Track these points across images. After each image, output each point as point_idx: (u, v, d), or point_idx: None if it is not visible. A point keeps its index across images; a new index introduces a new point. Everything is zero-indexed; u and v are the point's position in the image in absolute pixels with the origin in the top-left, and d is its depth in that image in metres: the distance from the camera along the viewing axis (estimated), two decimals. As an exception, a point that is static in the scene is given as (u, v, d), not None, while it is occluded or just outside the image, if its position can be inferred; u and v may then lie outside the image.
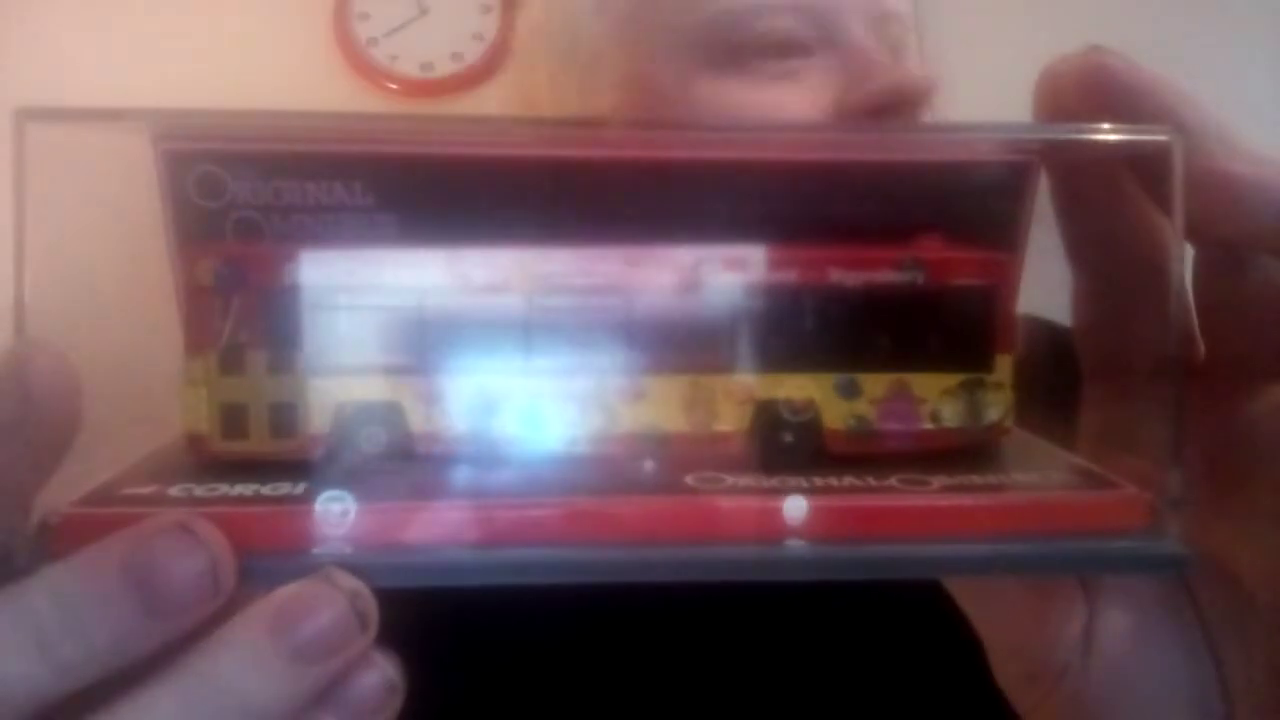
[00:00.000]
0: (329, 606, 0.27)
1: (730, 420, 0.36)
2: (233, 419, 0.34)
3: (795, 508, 0.31)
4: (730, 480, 0.34)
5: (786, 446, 0.36)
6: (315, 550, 0.29)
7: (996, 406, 0.37)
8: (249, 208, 0.34)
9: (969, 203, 0.37)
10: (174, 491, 0.31)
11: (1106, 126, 0.32)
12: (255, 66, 1.49)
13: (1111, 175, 0.34)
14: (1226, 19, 1.51)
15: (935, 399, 0.37)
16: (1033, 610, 0.35)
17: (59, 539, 0.28)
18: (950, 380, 0.37)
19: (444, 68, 1.58)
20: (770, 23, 0.58)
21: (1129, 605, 0.34)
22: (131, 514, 0.28)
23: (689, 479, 0.34)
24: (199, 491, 0.31)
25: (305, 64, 1.55)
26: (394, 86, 1.58)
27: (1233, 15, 1.52)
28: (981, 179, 0.37)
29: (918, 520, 0.32)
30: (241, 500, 0.31)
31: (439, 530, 0.31)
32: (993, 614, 0.37)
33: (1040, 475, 0.36)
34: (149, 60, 1.47)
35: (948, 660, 0.44)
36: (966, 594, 0.37)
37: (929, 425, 0.37)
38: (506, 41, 1.55)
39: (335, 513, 0.30)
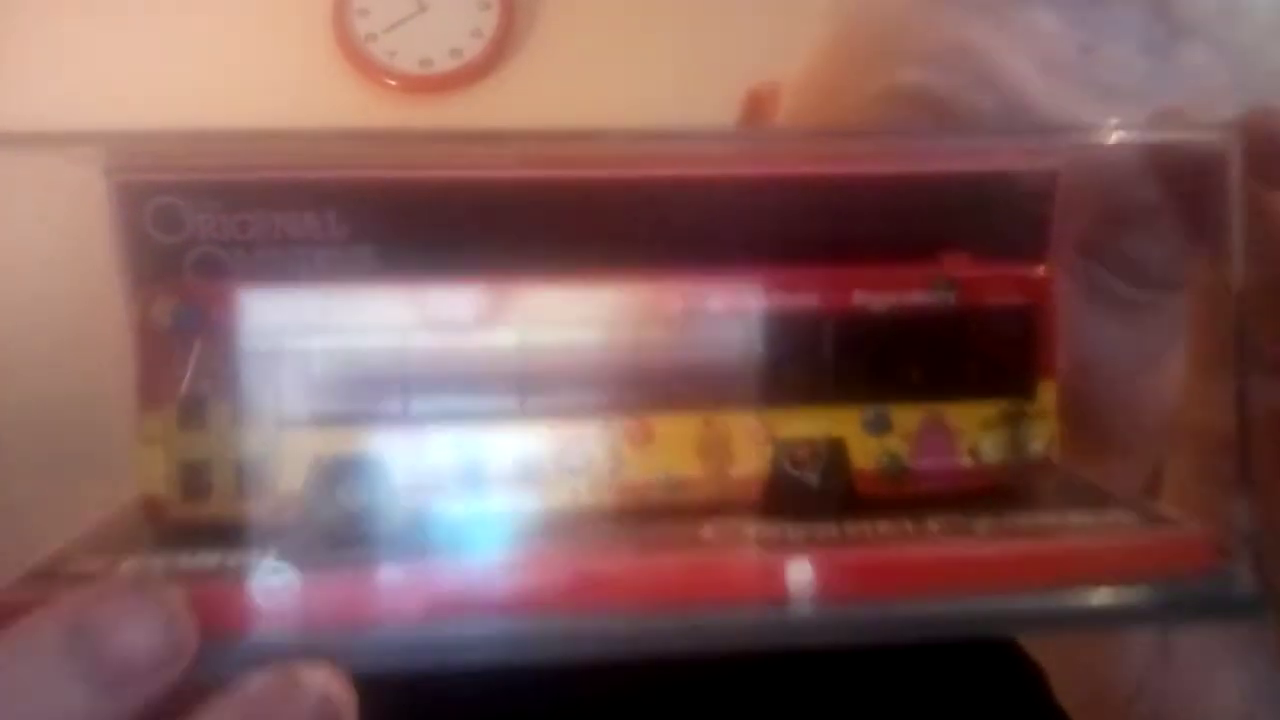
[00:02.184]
0: (294, 712, 0.23)
1: (749, 462, 0.32)
2: (194, 479, 0.30)
3: (800, 574, 0.28)
4: (752, 531, 0.30)
5: (812, 490, 0.33)
6: (286, 631, 0.26)
7: (1040, 438, 0.34)
8: (211, 242, 0.31)
9: (993, 215, 0.34)
10: (128, 565, 0.28)
11: (1159, 128, 0.30)
12: (254, 63, 1.46)
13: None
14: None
15: (973, 431, 0.33)
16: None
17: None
18: (989, 410, 0.34)
19: (443, 64, 1.55)
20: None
21: None
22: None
23: (705, 531, 0.30)
24: (155, 564, 0.28)
25: (304, 60, 1.52)
26: (393, 83, 1.55)
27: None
28: (1005, 190, 0.34)
29: (964, 573, 0.29)
30: (203, 574, 0.27)
31: (429, 601, 0.27)
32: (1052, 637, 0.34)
33: (1092, 514, 0.32)
34: (146, 58, 1.44)
35: (1010, 689, 0.41)
36: None
37: (967, 461, 0.33)
38: (506, 38, 1.53)
39: (276, 588, 0.26)
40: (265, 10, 1.52)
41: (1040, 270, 0.34)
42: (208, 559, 0.28)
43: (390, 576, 0.27)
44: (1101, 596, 0.28)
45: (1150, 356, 0.41)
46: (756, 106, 0.57)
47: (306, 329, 0.30)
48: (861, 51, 0.48)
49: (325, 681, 0.24)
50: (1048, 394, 0.34)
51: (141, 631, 0.23)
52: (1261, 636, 0.31)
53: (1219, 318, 0.32)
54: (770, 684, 0.50)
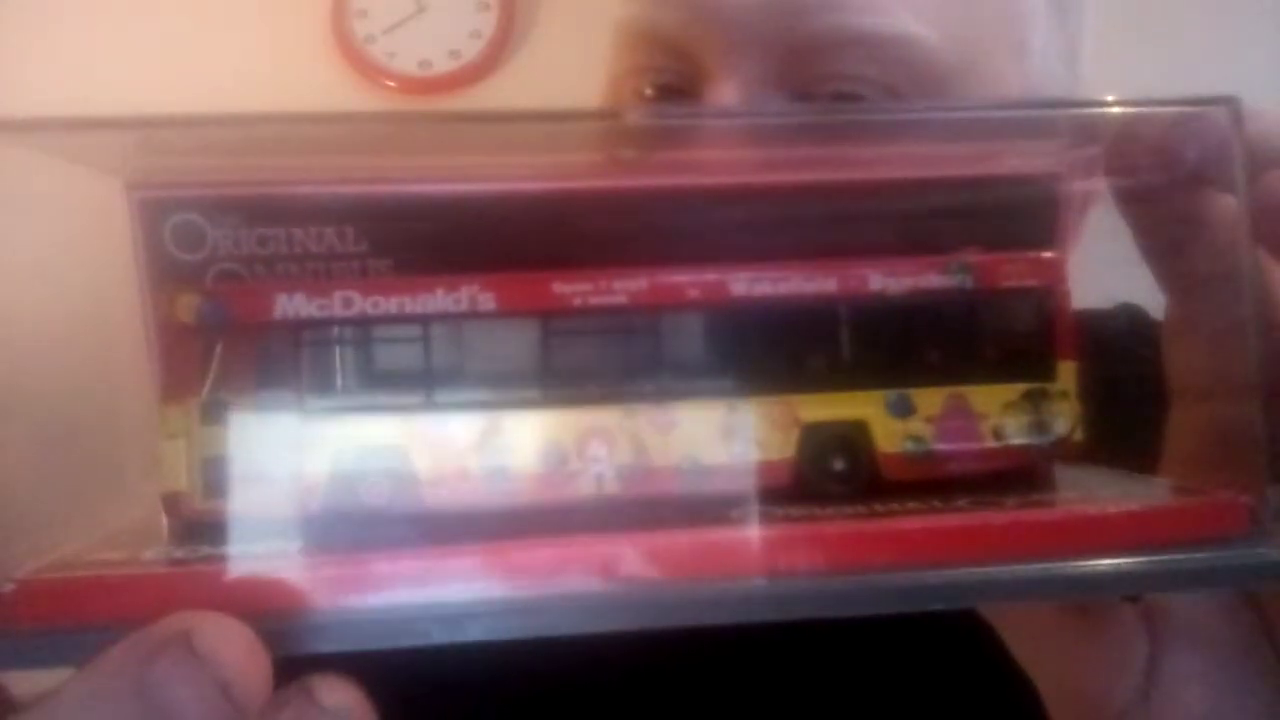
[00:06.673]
0: None
1: (775, 448, 0.33)
2: (216, 474, 0.30)
3: None
4: (780, 513, 0.31)
5: (837, 474, 0.33)
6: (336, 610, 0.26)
7: (1063, 419, 0.34)
8: (231, 259, 0.32)
9: (1001, 218, 0.35)
10: (149, 554, 0.28)
11: (1158, 100, 0.30)
12: (253, 64, 1.46)
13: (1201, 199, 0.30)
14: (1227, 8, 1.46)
15: (997, 413, 0.33)
16: (1084, 650, 0.31)
17: (12, 608, 0.25)
18: (1011, 392, 0.34)
19: (442, 65, 1.56)
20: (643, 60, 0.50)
21: (1197, 644, 0.31)
22: (88, 578, 0.25)
23: (733, 515, 0.30)
24: (178, 554, 0.28)
25: (303, 61, 1.53)
26: (392, 84, 1.56)
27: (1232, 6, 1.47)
28: (1011, 194, 0.35)
29: (998, 539, 0.28)
30: (229, 560, 0.27)
31: (454, 581, 0.27)
32: (1041, 653, 0.33)
33: (1120, 489, 0.32)
34: (144, 61, 1.44)
35: (994, 698, 0.41)
36: (1013, 631, 0.33)
37: (992, 443, 0.33)
38: (505, 39, 1.53)
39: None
40: (264, 12, 1.52)
41: (1053, 254, 0.34)
42: (232, 551, 0.28)
43: (415, 561, 0.27)
44: (1134, 561, 0.28)
45: None
46: None
47: (329, 321, 0.31)
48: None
49: (343, 700, 0.24)
50: (1068, 375, 0.34)
51: (204, 706, 0.22)
52: (1260, 669, 0.31)
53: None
54: (747, 666, 0.50)
